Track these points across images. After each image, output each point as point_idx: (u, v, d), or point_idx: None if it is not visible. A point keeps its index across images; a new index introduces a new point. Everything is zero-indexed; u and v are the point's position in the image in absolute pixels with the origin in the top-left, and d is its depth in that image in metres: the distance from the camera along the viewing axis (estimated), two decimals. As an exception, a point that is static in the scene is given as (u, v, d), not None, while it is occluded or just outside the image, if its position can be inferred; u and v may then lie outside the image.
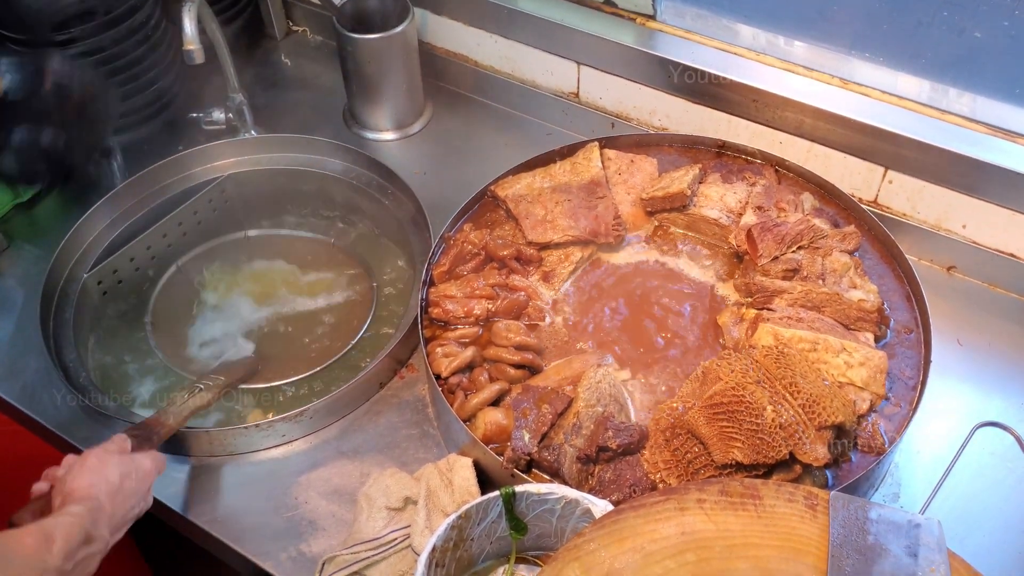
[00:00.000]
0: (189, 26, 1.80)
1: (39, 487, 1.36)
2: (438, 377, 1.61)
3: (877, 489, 1.58)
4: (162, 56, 2.14)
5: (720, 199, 1.83)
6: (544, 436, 1.50)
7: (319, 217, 2.20)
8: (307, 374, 1.87)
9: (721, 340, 1.67)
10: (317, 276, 2.12)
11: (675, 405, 1.51)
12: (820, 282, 1.66)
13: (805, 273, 1.67)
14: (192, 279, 2.11)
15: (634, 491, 1.43)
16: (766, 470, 1.40)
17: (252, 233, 2.19)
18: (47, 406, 1.74)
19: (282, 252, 2.17)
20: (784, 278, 1.68)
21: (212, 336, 2.02)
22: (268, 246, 2.18)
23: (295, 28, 2.56)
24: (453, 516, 1.33)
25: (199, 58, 1.83)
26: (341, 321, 2.02)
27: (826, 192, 1.86)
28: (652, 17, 2.04)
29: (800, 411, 1.40)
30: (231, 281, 2.11)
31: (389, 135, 2.24)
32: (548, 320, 1.73)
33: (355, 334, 1.96)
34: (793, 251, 1.70)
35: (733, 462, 1.39)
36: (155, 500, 1.60)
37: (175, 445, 1.65)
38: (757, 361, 1.47)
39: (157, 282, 2.09)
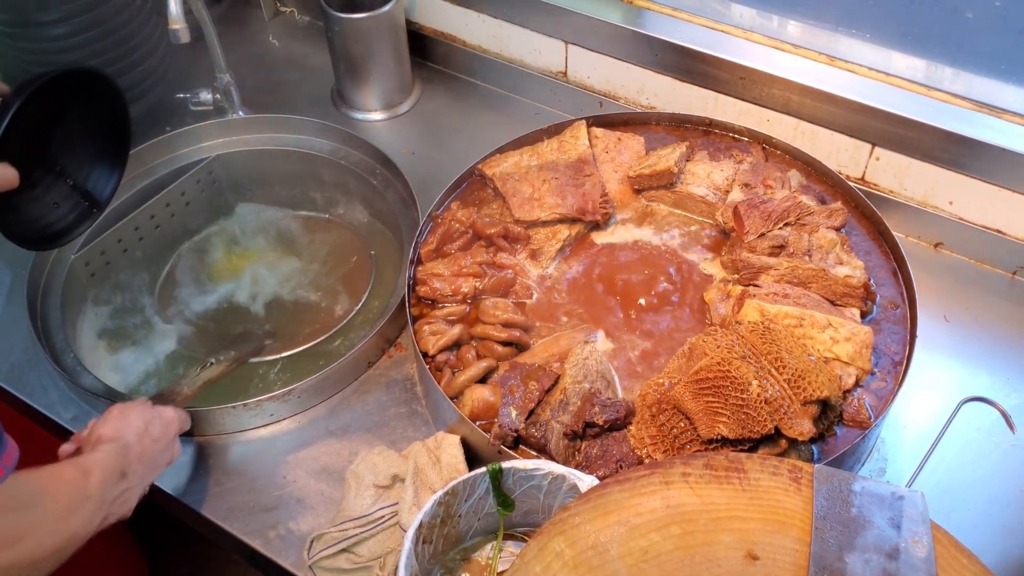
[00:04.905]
0: (175, 5, 1.79)
1: (66, 448, 1.41)
2: (426, 355, 1.61)
3: (864, 464, 1.58)
4: (148, 36, 2.12)
5: (707, 176, 1.83)
6: (531, 413, 1.50)
7: (308, 197, 2.20)
8: (307, 346, 1.88)
9: (708, 317, 1.68)
10: (313, 250, 2.13)
11: (661, 381, 1.51)
12: (806, 258, 1.66)
13: (791, 249, 1.67)
14: (189, 257, 2.12)
15: (620, 466, 1.43)
16: (752, 445, 1.41)
17: (247, 209, 2.20)
18: (35, 387, 1.74)
19: (279, 229, 2.17)
20: (770, 255, 1.68)
21: (212, 314, 2.02)
22: (264, 223, 2.18)
23: (283, 8, 2.55)
24: (440, 492, 1.34)
25: (185, 38, 1.82)
26: (341, 294, 2.03)
27: (813, 169, 1.86)
28: (640, -5, 2.04)
29: (786, 386, 1.40)
30: (231, 259, 2.12)
31: (377, 115, 2.24)
32: (535, 297, 1.73)
33: (355, 305, 1.97)
34: (780, 228, 1.70)
35: (719, 437, 1.40)
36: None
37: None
38: (743, 337, 1.47)
39: (155, 261, 2.09)
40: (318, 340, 1.89)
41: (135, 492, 1.36)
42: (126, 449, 1.35)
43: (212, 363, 1.73)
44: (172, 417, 1.49)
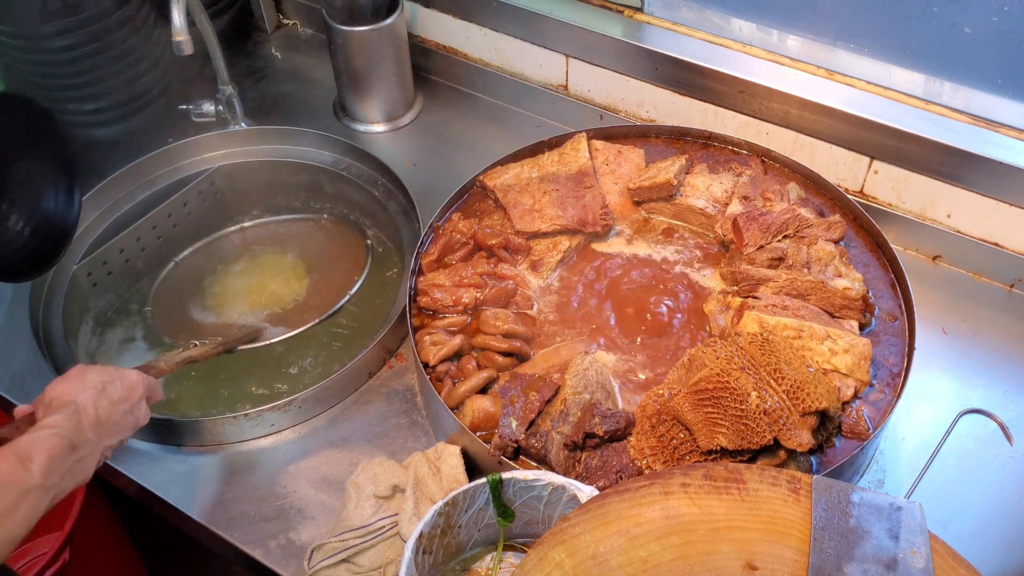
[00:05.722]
0: (178, 17, 1.80)
1: (22, 408, 1.34)
2: (426, 365, 1.62)
3: (863, 475, 1.59)
4: (151, 48, 2.14)
5: (706, 189, 1.84)
6: (531, 423, 1.51)
7: (310, 208, 2.21)
8: (303, 328, 1.89)
9: (707, 328, 1.68)
10: (314, 261, 2.14)
11: (661, 392, 1.52)
12: (805, 270, 1.67)
13: (790, 262, 1.68)
14: (191, 270, 2.12)
15: (620, 477, 1.44)
16: (751, 455, 1.41)
17: (247, 224, 2.21)
18: (36, 396, 1.74)
19: (276, 239, 2.18)
20: (769, 267, 1.69)
21: (211, 323, 2.03)
22: (263, 235, 2.19)
23: (285, 21, 2.57)
24: (440, 503, 1.34)
25: (188, 49, 1.83)
26: (332, 284, 2.04)
27: (812, 182, 1.87)
28: (639, 9, 2.05)
29: (784, 397, 1.41)
30: (229, 272, 2.13)
31: (379, 127, 2.25)
32: (536, 308, 1.74)
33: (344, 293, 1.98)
34: (779, 240, 1.71)
35: (718, 447, 1.40)
36: (145, 490, 1.62)
37: (165, 435, 1.66)
38: (742, 348, 1.48)
39: (155, 274, 2.10)
40: (316, 321, 1.90)
41: (91, 460, 1.26)
42: (77, 415, 1.25)
43: (195, 344, 1.72)
44: (136, 380, 1.39)
